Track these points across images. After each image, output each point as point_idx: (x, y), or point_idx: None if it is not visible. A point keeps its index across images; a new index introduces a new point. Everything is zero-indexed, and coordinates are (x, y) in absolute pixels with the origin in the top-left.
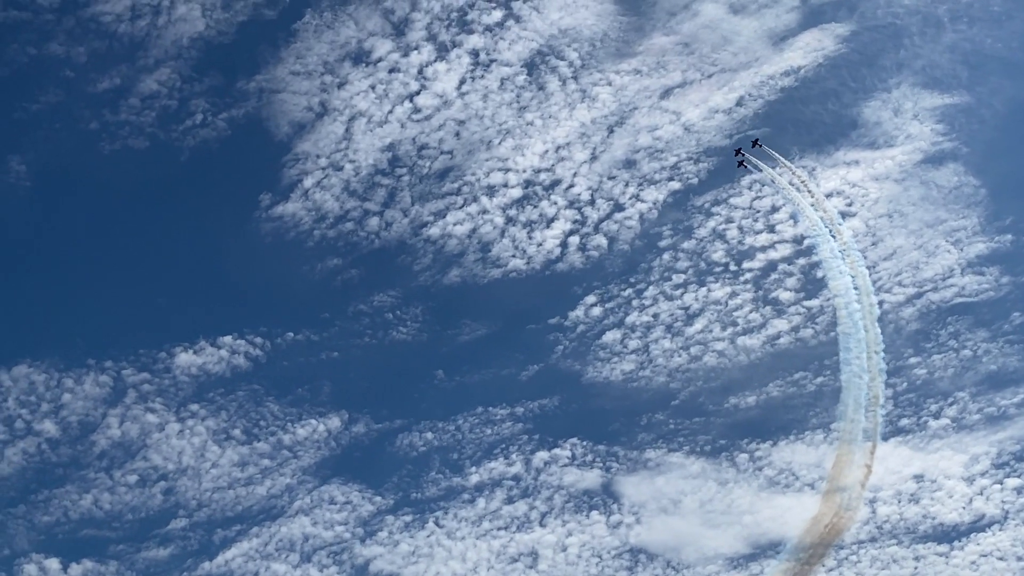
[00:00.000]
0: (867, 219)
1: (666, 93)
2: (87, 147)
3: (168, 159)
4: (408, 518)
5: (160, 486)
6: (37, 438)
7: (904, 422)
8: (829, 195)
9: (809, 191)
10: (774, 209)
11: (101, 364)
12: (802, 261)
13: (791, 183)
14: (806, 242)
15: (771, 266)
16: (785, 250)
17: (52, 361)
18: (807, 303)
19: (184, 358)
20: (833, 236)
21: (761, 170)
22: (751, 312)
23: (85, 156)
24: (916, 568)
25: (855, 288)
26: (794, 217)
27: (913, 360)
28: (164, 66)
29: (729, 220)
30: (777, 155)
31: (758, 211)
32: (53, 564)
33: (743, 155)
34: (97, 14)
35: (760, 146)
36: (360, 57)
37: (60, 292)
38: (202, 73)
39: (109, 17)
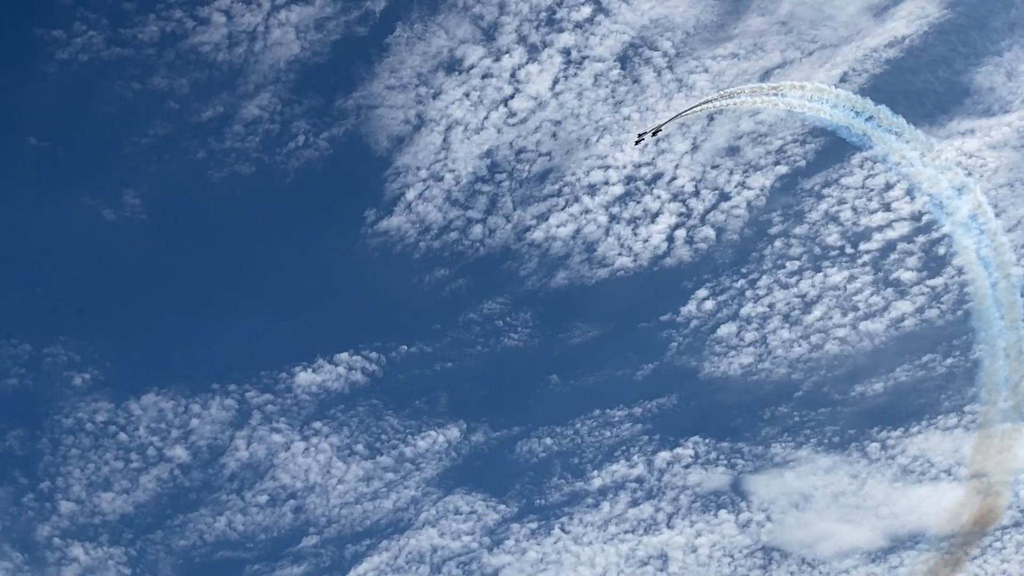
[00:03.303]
0: (987, 190)
1: (766, 75)
2: (196, 176)
3: (274, 182)
4: (533, 525)
5: (290, 504)
6: (169, 464)
7: None
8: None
9: (931, 160)
10: (888, 186)
11: (225, 388)
12: (922, 238)
13: (908, 155)
14: (925, 218)
15: (890, 246)
16: (903, 228)
17: (178, 388)
18: (931, 282)
19: (304, 377)
20: (957, 208)
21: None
22: (872, 295)
23: (195, 185)
24: None
25: (987, 260)
26: (910, 193)
27: None
28: (264, 91)
29: (842, 201)
30: (900, 121)
31: (871, 189)
32: None
33: (643, 138)
34: (196, 45)
35: (660, 129)
36: (452, 66)
37: (182, 320)
38: (301, 95)
39: (207, 47)
